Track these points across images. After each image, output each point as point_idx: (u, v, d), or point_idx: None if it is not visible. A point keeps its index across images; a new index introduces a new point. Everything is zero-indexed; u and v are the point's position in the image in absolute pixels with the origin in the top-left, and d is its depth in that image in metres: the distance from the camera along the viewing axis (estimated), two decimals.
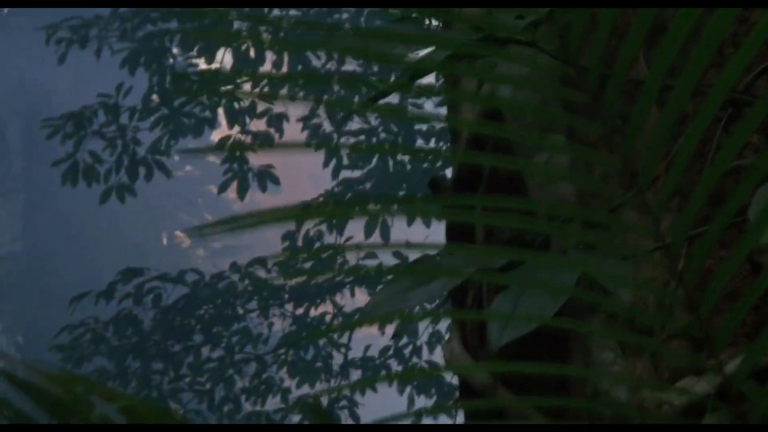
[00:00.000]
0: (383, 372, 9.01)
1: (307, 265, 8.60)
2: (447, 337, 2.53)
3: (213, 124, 8.55)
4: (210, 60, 8.43)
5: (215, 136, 9.33)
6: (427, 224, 8.36)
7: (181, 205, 17.31)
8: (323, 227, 8.48)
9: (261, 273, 8.65)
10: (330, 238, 8.58)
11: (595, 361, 2.27)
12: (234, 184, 8.51)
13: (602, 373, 2.25)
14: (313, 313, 8.91)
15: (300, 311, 8.83)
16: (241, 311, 8.74)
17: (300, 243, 8.52)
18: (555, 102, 2.32)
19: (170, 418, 1.14)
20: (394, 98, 8.45)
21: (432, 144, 8.33)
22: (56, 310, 11.20)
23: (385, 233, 8.40)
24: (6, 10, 16.81)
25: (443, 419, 8.85)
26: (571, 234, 2.37)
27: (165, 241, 15.77)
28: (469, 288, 2.49)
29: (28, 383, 1.09)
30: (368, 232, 8.42)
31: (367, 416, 9.47)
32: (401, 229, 9.47)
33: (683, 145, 1.41)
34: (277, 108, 8.46)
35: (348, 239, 8.60)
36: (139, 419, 1.15)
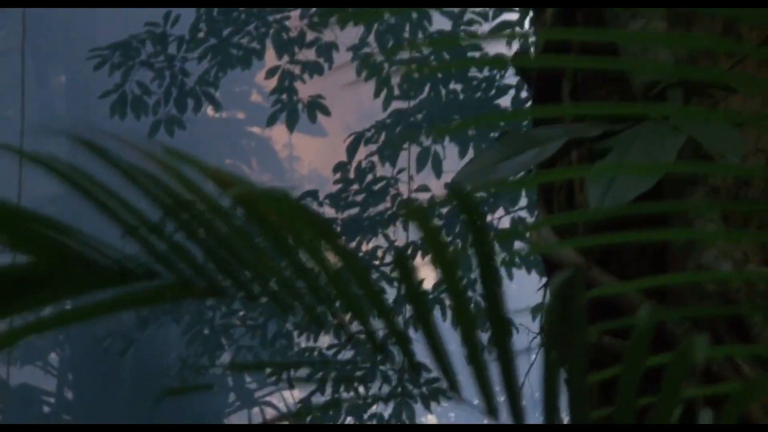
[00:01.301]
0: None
1: (359, 198, 8.48)
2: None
3: (261, 55, 8.39)
4: None
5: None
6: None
7: (225, 149, 17.20)
8: (375, 158, 8.34)
9: (313, 206, 8.55)
10: (382, 170, 8.44)
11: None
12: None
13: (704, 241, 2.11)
14: (364, 247, 8.79)
15: (352, 245, 8.71)
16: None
17: (352, 175, 8.39)
18: None
19: (296, 209, 1.01)
20: (446, 25, 8.28)
21: (485, 72, 8.16)
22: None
23: (437, 165, 8.25)
24: None
25: None
26: (673, 103, 2.23)
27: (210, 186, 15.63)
28: (558, 165, 2.36)
29: (120, 160, 0.97)
30: (420, 165, 8.28)
31: (420, 352, 9.37)
32: (453, 160, 9.34)
33: None
34: (327, 37, 8.31)
35: (400, 171, 8.46)
36: (260, 210, 1.02)
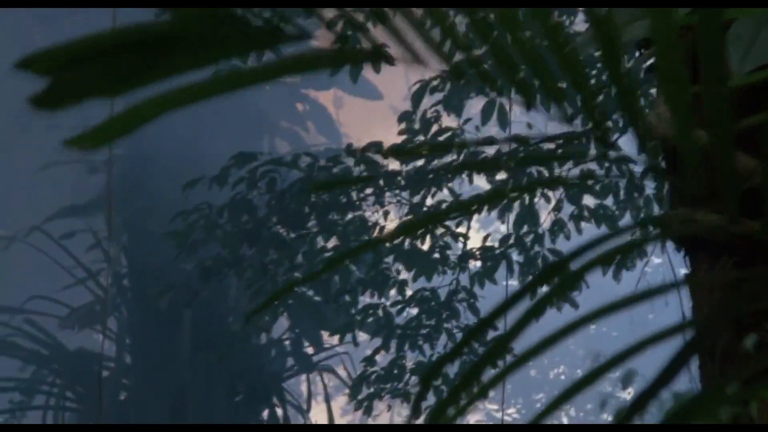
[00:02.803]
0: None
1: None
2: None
3: None
4: None
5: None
6: (548, 108, 8.01)
7: (282, 112, 17.09)
8: (440, 108, 8.16)
9: (377, 158, 8.40)
10: (448, 121, 8.27)
11: None
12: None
13: None
14: (429, 201, 8.64)
15: (416, 199, 8.56)
16: (356, 198, 8.50)
17: (417, 126, 8.22)
18: None
19: None
20: None
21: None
22: (162, 211, 11.06)
23: (502, 117, 8.07)
24: None
25: (566, 309, 8.55)
26: None
27: (266, 148, 15.61)
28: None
29: None
30: (485, 117, 8.10)
31: (486, 309, 9.19)
32: (519, 112, 9.15)
33: None
34: None
35: (466, 121, 8.29)
36: None
